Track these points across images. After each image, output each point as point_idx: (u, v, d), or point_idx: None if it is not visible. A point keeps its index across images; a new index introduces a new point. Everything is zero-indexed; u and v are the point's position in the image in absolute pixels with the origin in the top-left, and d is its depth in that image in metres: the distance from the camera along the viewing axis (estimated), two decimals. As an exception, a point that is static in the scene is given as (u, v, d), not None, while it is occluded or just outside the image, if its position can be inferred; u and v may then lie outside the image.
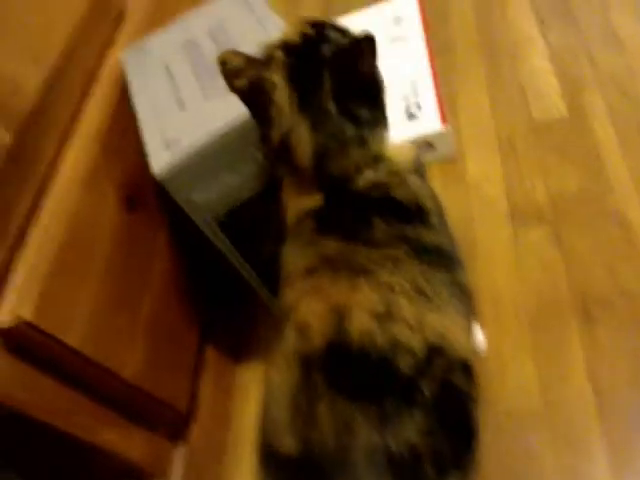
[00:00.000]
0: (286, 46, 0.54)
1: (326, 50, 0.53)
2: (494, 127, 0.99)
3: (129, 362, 0.64)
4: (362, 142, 0.53)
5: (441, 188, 0.63)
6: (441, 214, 0.56)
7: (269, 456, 0.47)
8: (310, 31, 0.55)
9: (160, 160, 0.62)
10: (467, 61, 1.10)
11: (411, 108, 0.98)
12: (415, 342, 0.44)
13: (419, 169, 0.57)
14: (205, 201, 0.65)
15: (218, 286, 0.88)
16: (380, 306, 0.45)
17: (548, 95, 0.99)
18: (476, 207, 0.91)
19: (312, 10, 1.36)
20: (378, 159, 0.55)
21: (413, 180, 0.55)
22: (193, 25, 0.77)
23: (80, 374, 0.59)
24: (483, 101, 1.03)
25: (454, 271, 0.53)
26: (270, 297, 0.81)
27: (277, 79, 0.53)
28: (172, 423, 0.73)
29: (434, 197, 0.57)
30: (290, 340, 0.47)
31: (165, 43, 0.76)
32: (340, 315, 0.45)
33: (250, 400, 0.84)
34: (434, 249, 0.52)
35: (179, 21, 0.79)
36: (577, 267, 0.79)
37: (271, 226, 0.71)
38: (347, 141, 0.53)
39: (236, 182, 0.65)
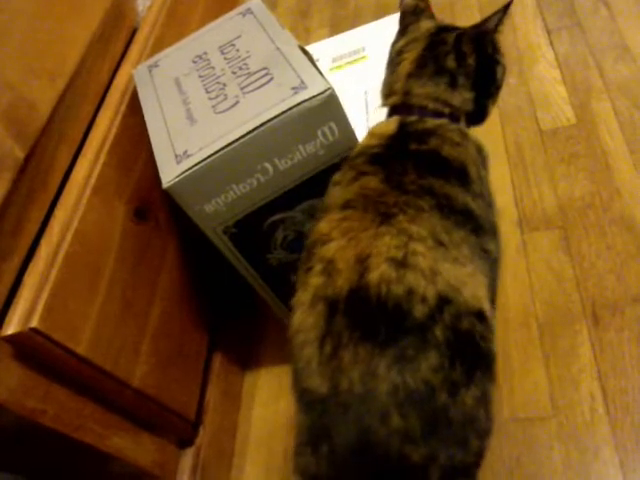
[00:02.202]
0: None
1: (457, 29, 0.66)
2: (502, 135, 0.99)
3: (138, 370, 0.65)
4: (452, 78, 0.62)
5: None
6: (482, 183, 0.58)
7: (302, 394, 0.49)
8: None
9: (170, 173, 0.63)
10: (475, 70, 1.10)
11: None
12: (427, 291, 0.46)
13: (483, 155, 0.62)
14: (214, 212, 0.66)
15: (226, 295, 0.89)
16: (398, 253, 0.48)
17: (556, 103, 1.00)
18: (485, 215, 0.91)
19: (321, 23, 1.38)
20: (457, 116, 0.62)
21: (472, 148, 0.60)
22: (203, 40, 0.79)
23: (89, 382, 0.60)
24: (491, 109, 1.03)
25: (481, 237, 0.54)
26: (279, 306, 0.81)
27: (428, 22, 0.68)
28: (180, 430, 0.74)
29: (483, 180, 0.59)
30: (317, 278, 0.50)
31: (176, 59, 0.78)
32: (363, 262, 0.48)
33: (257, 407, 0.85)
34: (463, 211, 0.54)
35: (190, 37, 0.81)
36: (586, 273, 0.79)
37: (280, 236, 0.72)
38: (441, 68, 0.62)
39: (245, 193, 0.66)
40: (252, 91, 0.66)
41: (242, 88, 0.67)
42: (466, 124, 0.64)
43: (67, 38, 0.73)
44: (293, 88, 0.63)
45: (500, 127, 1.00)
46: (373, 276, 0.47)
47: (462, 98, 0.62)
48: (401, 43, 0.66)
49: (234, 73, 0.70)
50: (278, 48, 0.69)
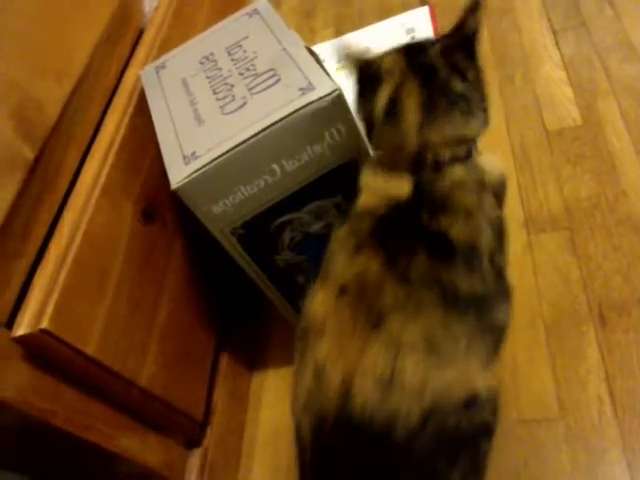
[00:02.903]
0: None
1: (430, 45, 0.58)
2: (508, 136, 0.99)
3: (145, 371, 0.65)
4: (466, 102, 0.55)
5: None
6: (494, 250, 0.55)
7: None
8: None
9: (178, 174, 0.63)
10: (480, 71, 1.10)
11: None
12: (412, 410, 0.47)
13: (500, 190, 0.58)
14: (222, 213, 0.66)
15: (233, 296, 0.89)
16: (385, 370, 0.47)
17: (562, 104, 0.99)
18: (490, 216, 0.91)
19: (326, 23, 1.38)
20: (471, 155, 0.56)
21: (488, 203, 0.55)
22: (210, 41, 0.79)
23: (98, 382, 0.60)
24: (497, 110, 1.03)
25: (487, 314, 0.52)
26: (286, 307, 0.81)
27: (389, 57, 0.59)
28: (188, 430, 0.74)
29: (500, 225, 0.57)
30: (310, 379, 0.51)
31: (183, 60, 0.78)
32: (349, 384, 0.48)
33: (264, 408, 0.85)
34: (468, 297, 0.51)
35: (197, 39, 0.81)
36: (593, 274, 0.79)
37: (287, 237, 0.72)
38: (454, 97, 0.55)
39: (253, 194, 0.66)
40: (260, 92, 0.66)
41: (250, 89, 0.67)
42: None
43: (74, 39, 0.74)
44: (301, 89, 0.63)
45: (506, 128, 1.00)
46: (357, 402, 0.47)
47: (479, 121, 0.57)
48: (385, 93, 0.56)
49: (241, 74, 0.70)
50: (285, 49, 0.69)
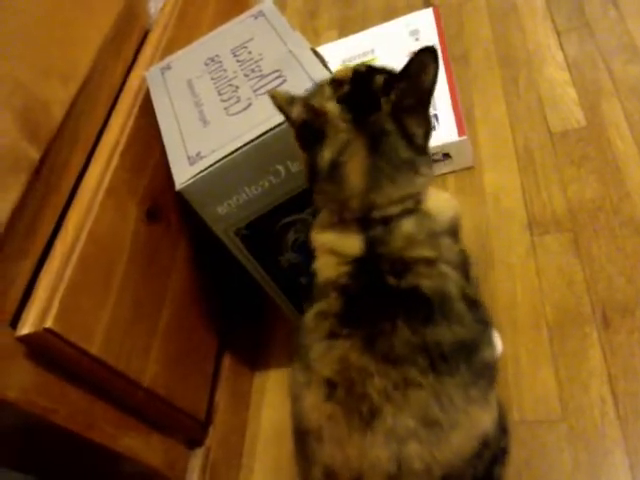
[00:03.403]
0: (335, 80, 0.56)
1: (379, 79, 0.54)
2: (512, 137, 0.99)
3: (148, 371, 0.65)
4: (412, 166, 0.53)
5: (459, 199, 0.64)
6: (464, 286, 0.54)
7: None
8: (361, 68, 0.56)
9: (183, 174, 0.63)
10: (484, 72, 1.10)
11: (428, 119, 0.99)
12: None
13: (454, 228, 0.57)
14: (226, 214, 0.67)
15: (236, 295, 0.89)
16: (392, 467, 0.47)
17: (566, 105, 0.99)
18: (494, 217, 0.91)
19: (330, 24, 1.38)
20: (419, 204, 0.54)
21: (445, 246, 0.54)
22: (215, 43, 0.79)
23: (101, 382, 0.60)
24: (500, 112, 1.03)
25: (475, 357, 0.52)
26: (290, 308, 0.82)
27: (330, 105, 0.54)
28: (190, 430, 0.74)
29: (462, 260, 0.56)
30: (318, 477, 0.50)
31: (188, 61, 0.79)
32: None
33: (266, 408, 0.85)
34: (453, 350, 0.50)
35: (202, 40, 0.81)
36: (596, 275, 0.79)
37: (291, 238, 0.72)
38: (400, 163, 0.53)
39: (257, 195, 0.66)
40: (265, 93, 0.66)
41: (255, 90, 0.67)
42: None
43: (79, 40, 0.74)
44: (306, 90, 0.63)
45: (510, 129, 1.00)
46: None
47: (426, 178, 0.55)
48: (329, 150, 0.53)
49: (246, 75, 0.70)
50: (290, 50, 0.69)
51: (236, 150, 0.62)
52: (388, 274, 0.52)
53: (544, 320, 0.78)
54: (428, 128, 0.55)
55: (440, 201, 0.58)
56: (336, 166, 0.53)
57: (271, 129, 0.62)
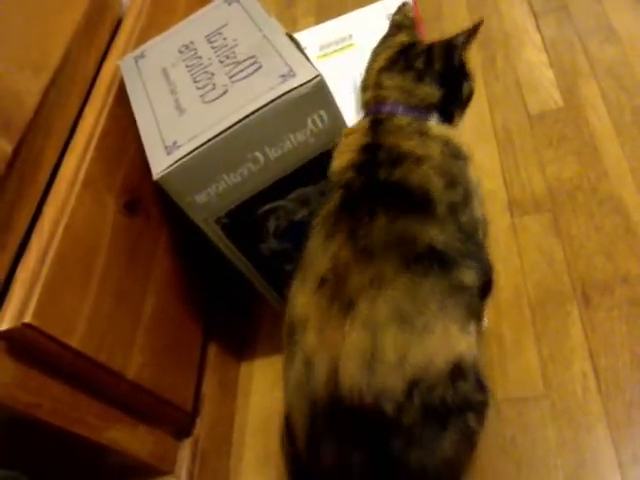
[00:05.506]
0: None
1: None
2: (490, 119, 0.99)
3: (133, 363, 0.65)
4: (420, 78, 0.65)
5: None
6: (456, 204, 0.58)
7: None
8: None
9: (160, 164, 0.63)
10: (462, 55, 1.10)
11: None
12: (397, 384, 0.48)
13: (453, 150, 0.62)
14: (206, 203, 0.66)
15: (220, 284, 0.89)
16: (366, 353, 0.49)
17: (544, 87, 1.00)
18: (475, 200, 0.91)
19: (306, 11, 1.37)
20: (422, 110, 0.64)
21: (436, 151, 0.60)
22: (190, 30, 0.78)
23: (84, 375, 0.60)
24: (479, 93, 1.03)
25: (451, 272, 0.53)
26: (273, 295, 0.82)
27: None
28: (178, 421, 0.74)
29: (465, 185, 0.60)
30: (299, 365, 0.53)
31: (162, 49, 0.78)
32: (335, 371, 0.50)
33: (253, 396, 0.85)
34: (427, 252, 0.53)
35: (176, 27, 0.80)
36: (576, 254, 0.80)
37: (272, 225, 0.72)
38: (411, 67, 0.66)
39: (236, 183, 0.66)
40: (240, 80, 0.66)
41: (230, 77, 0.67)
42: (441, 120, 0.65)
43: (50, 30, 0.72)
44: (282, 76, 0.62)
45: (488, 111, 1.00)
46: (345, 386, 0.49)
47: (427, 90, 0.65)
48: (380, 48, 0.71)
49: (222, 62, 0.69)
50: (265, 36, 0.69)
51: (213, 138, 0.61)
52: (383, 167, 0.58)
53: (526, 299, 0.79)
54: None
55: (443, 129, 0.65)
56: (376, 54, 0.71)
57: (248, 116, 0.61)
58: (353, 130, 0.65)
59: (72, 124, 0.71)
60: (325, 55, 1.11)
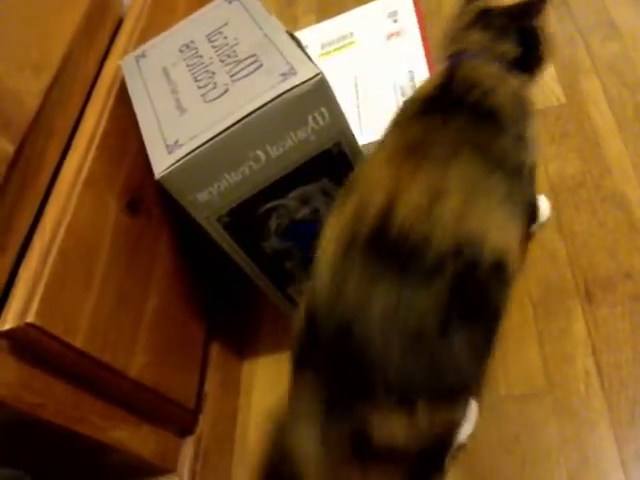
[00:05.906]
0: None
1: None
2: (492, 117, 0.99)
3: (135, 361, 0.65)
4: (499, 36, 0.68)
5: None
6: (521, 136, 0.61)
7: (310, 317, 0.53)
8: None
9: (162, 163, 0.63)
10: (463, 52, 1.10)
11: (409, 100, 0.98)
12: (447, 238, 0.49)
13: (523, 100, 0.66)
14: (207, 201, 0.66)
15: (222, 283, 0.89)
16: (426, 200, 0.51)
17: (545, 83, 0.99)
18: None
19: (307, 9, 1.37)
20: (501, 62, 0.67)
21: (508, 92, 0.64)
22: (190, 29, 0.78)
23: (87, 375, 0.60)
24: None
25: (513, 183, 0.57)
26: (276, 293, 0.82)
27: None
28: (180, 419, 0.74)
29: (523, 119, 0.64)
30: (348, 213, 0.54)
31: (163, 48, 0.78)
32: (391, 204, 0.51)
33: (255, 394, 0.86)
34: (500, 155, 0.57)
35: (177, 26, 0.80)
36: (579, 251, 0.80)
37: (274, 224, 0.72)
38: (491, 25, 0.69)
39: (238, 181, 0.66)
40: (241, 78, 0.66)
41: (231, 76, 0.67)
42: (517, 71, 0.69)
43: (50, 30, 0.73)
44: (282, 74, 0.62)
45: (490, 108, 1.00)
46: (397, 218, 0.50)
47: (506, 47, 0.68)
48: (460, 11, 0.75)
49: (222, 61, 0.69)
50: (266, 35, 0.69)
51: (214, 137, 0.61)
52: (460, 90, 0.62)
53: (528, 296, 0.78)
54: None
55: (518, 81, 0.68)
56: (461, 15, 0.73)
57: (249, 114, 0.61)
58: (430, 77, 0.69)
59: (73, 124, 0.71)
60: (327, 53, 1.11)
